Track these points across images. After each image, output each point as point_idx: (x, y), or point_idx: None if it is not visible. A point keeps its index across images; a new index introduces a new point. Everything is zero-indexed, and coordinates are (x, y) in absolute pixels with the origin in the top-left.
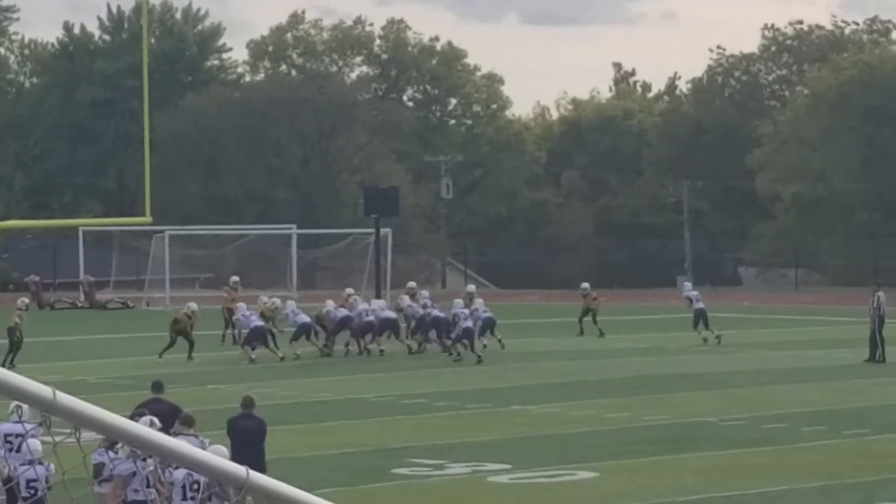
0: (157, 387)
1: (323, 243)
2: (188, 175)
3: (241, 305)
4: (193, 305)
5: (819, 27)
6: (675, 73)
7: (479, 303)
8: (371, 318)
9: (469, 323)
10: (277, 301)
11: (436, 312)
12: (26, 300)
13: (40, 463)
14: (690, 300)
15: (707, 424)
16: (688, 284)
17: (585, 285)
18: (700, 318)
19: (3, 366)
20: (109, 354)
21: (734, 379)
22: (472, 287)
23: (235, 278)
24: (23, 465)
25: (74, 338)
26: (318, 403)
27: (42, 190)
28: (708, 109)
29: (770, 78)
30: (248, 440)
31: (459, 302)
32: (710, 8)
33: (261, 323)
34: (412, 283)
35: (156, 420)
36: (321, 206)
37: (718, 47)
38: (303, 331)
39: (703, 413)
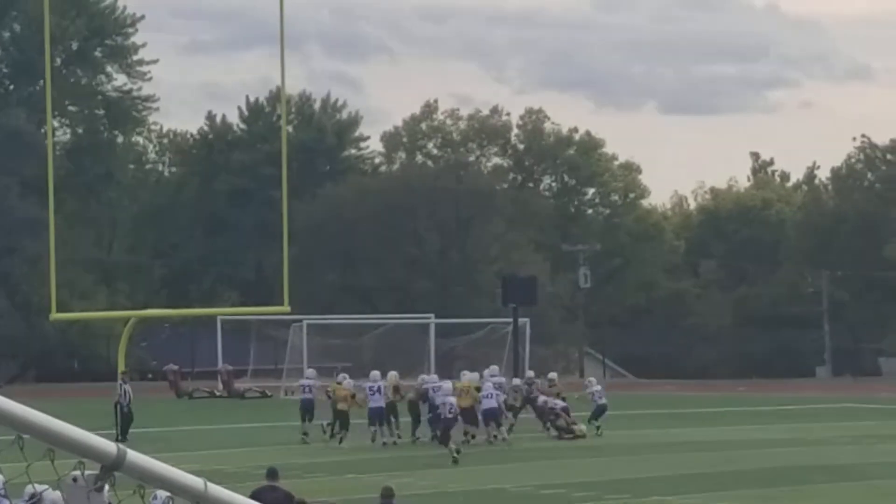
0: (272, 474)
1: (460, 332)
2: (326, 264)
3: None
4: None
5: None
6: (815, 163)
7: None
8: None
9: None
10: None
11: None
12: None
13: None
14: (593, 395)
15: None
16: (592, 380)
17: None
18: (601, 412)
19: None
20: (248, 444)
21: (875, 471)
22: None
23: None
24: None
25: (213, 427)
26: (456, 494)
27: (180, 279)
28: (848, 199)
29: None
30: None
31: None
32: (849, 97)
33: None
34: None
35: None
36: (459, 295)
37: (863, 136)
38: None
39: None
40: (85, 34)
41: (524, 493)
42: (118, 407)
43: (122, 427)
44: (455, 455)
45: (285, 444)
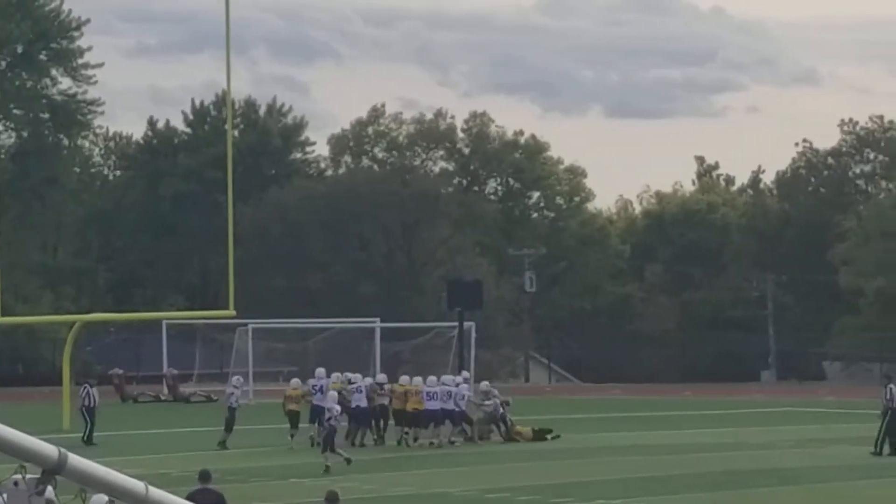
0: (205, 476)
1: (406, 336)
2: (271, 268)
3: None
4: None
5: None
6: (759, 167)
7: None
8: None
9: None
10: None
11: None
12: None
13: None
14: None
15: None
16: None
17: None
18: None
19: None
20: (193, 448)
21: (818, 474)
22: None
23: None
24: None
25: (157, 431)
26: (400, 498)
27: (125, 283)
28: (792, 203)
29: (857, 171)
30: None
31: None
32: (795, 102)
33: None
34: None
35: None
36: (405, 299)
37: (805, 140)
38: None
39: None
40: (30, 37)
41: (469, 498)
42: (83, 411)
43: (88, 431)
44: (328, 465)
45: (230, 448)
